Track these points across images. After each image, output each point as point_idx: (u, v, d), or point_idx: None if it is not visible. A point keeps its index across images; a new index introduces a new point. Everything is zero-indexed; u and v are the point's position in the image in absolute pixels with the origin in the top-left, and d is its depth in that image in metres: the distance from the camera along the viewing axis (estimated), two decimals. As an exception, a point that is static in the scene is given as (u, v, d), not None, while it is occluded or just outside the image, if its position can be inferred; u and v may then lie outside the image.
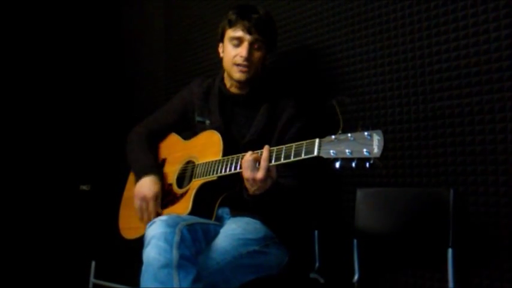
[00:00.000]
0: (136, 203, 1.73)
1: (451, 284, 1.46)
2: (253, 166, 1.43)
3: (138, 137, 1.93)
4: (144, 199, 1.71)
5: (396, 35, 1.73)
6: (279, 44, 1.89)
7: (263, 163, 1.41)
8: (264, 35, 1.71)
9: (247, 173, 1.43)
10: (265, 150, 1.42)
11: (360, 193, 1.73)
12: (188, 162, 1.78)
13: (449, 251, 1.46)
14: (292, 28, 2.09)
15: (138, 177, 1.78)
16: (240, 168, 1.48)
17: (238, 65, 1.71)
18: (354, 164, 1.21)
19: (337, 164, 1.23)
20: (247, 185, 1.47)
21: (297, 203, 1.74)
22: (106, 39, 3.34)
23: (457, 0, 1.57)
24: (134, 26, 3.22)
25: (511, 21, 1.45)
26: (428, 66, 1.64)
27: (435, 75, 1.62)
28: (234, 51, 1.71)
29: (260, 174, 1.41)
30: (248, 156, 1.44)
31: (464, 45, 1.55)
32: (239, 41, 1.70)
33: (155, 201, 1.71)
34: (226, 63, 1.76)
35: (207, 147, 1.70)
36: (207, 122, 1.81)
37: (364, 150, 1.18)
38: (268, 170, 1.42)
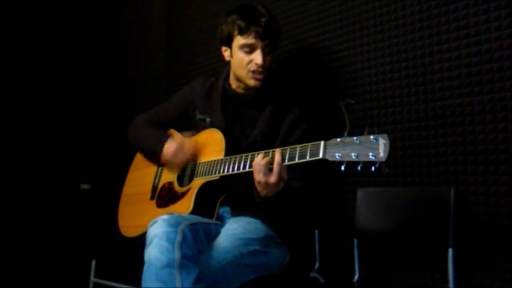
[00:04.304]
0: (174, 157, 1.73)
1: (451, 284, 1.45)
2: (266, 170, 1.41)
3: (142, 123, 1.94)
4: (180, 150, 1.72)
5: (397, 34, 1.72)
6: (280, 45, 1.88)
7: (276, 167, 1.39)
8: (274, 39, 1.71)
9: (259, 177, 1.42)
10: (278, 154, 1.40)
11: (360, 193, 1.73)
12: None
13: (450, 251, 1.46)
14: (293, 28, 2.09)
15: (158, 147, 1.75)
16: (243, 168, 1.48)
17: (253, 71, 1.69)
18: (359, 168, 1.21)
19: (343, 167, 1.23)
20: (259, 187, 1.46)
21: (304, 203, 1.74)
22: (106, 39, 3.35)
23: (458, -1, 1.57)
24: (134, 26, 3.22)
25: (512, 21, 1.45)
26: (429, 65, 1.64)
27: (436, 75, 1.62)
28: (247, 57, 1.69)
29: (273, 179, 1.40)
30: (260, 159, 1.42)
31: (465, 44, 1.55)
32: (251, 48, 1.68)
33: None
34: (239, 69, 1.73)
35: (208, 145, 1.70)
36: (208, 120, 1.80)
37: (370, 154, 1.18)
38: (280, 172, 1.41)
